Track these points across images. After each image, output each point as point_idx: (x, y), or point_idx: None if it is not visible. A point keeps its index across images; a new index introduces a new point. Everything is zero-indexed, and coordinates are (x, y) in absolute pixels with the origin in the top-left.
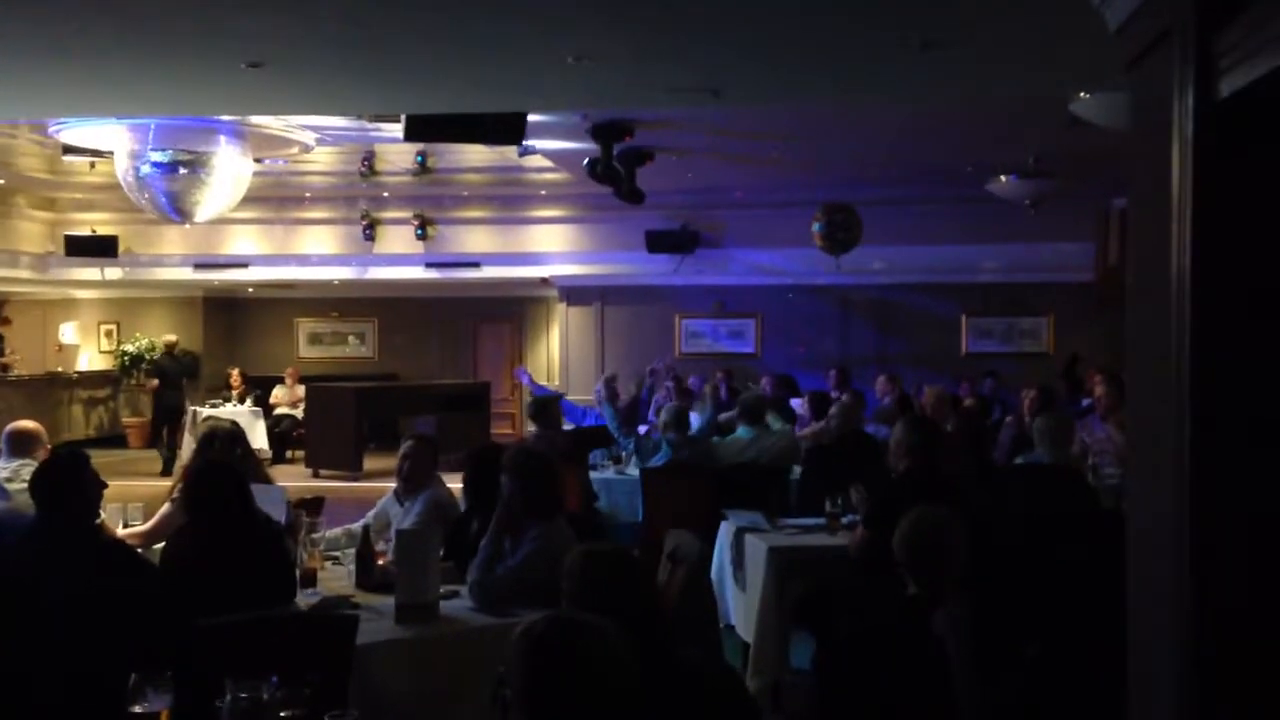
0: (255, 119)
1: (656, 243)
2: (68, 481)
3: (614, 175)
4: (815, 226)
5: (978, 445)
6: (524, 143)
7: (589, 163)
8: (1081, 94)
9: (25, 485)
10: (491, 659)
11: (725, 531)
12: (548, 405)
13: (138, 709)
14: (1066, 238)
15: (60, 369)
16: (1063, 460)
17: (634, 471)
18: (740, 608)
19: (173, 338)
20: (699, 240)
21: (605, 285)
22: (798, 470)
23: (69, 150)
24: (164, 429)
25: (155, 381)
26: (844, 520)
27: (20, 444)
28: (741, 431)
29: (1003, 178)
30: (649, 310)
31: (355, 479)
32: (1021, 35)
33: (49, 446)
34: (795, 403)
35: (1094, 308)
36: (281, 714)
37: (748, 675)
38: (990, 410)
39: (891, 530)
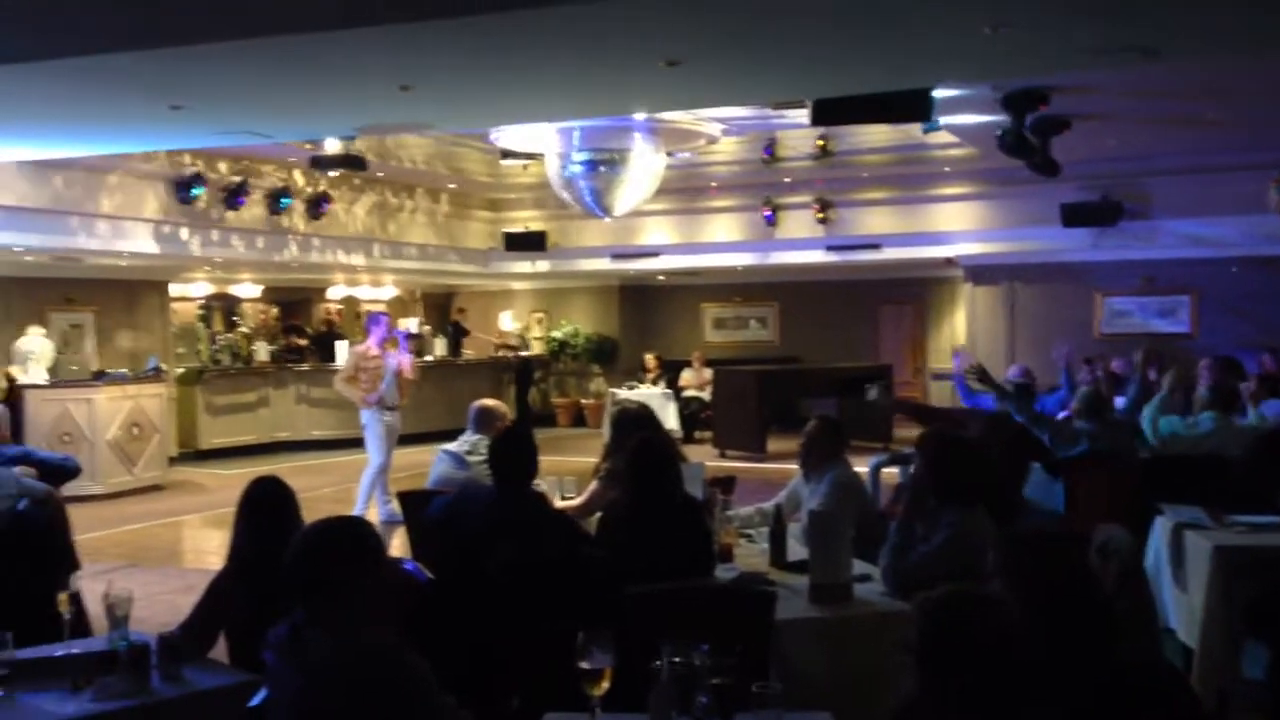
0: (667, 115)
1: (1073, 216)
2: (520, 453)
3: (1027, 147)
4: (1276, 191)
5: None
6: (931, 119)
7: (1000, 135)
8: None
9: (482, 458)
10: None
11: (1161, 527)
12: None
13: (585, 665)
14: None
15: (501, 354)
16: None
17: None
18: (1181, 610)
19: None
20: (1122, 211)
21: (1015, 263)
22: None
23: (506, 154)
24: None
25: (514, 354)
26: None
27: (483, 419)
28: (1205, 419)
29: None
30: (1064, 289)
31: (760, 460)
32: None
33: (503, 423)
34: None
35: None
36: (712, 680)
37: (1192, 681)
38: None
39: None
